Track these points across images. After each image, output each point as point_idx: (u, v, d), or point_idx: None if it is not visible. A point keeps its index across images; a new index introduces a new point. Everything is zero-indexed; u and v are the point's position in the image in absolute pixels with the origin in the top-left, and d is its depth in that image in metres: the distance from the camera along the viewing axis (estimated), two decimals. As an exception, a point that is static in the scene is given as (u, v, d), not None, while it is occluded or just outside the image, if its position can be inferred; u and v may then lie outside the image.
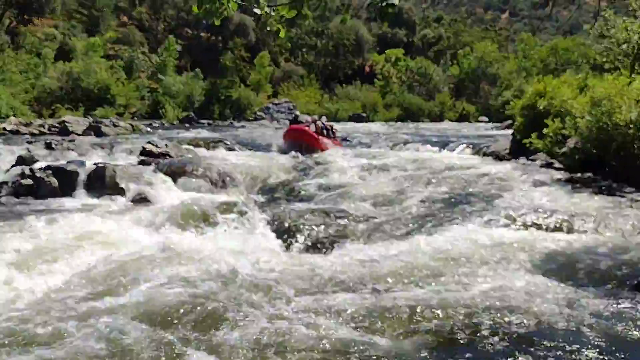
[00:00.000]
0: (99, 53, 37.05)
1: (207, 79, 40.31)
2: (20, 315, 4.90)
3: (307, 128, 16.92)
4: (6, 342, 4.28)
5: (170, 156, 14.10)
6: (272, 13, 4.30)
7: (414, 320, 4.77)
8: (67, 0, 45.85)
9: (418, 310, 4.96)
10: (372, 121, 40.57)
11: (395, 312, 4.92)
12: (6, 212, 9.65)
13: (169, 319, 4.72)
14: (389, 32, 60.52)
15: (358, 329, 4.59)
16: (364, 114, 42.37)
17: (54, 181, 11.37)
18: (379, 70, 50.76)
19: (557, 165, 12.47)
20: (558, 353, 4.19)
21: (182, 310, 4.84)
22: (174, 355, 4.12)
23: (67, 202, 10.76)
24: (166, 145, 15.01)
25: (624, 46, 16.49)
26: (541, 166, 12.87)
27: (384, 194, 10.58)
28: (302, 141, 16.00)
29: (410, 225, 8.30)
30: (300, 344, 4.29)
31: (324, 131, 16.83)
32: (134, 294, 5.27)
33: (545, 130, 12.40)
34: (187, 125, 30.62)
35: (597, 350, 4.23)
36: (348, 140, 19.69)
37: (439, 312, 4.94)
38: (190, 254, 6.72)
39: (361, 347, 4.26)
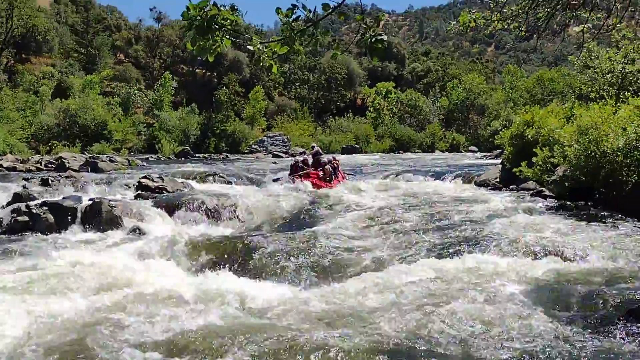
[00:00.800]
0: (96, 90, 37.52)
1: (203, 114, 40.78)
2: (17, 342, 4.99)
3: (317, 177, 15.57)
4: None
5: (166, 190, 14.27)
6: (265, 49, 4.47)
7: (400, 350, 4.87)
8: (64, 40, 46.58)
9: (404, 339, 5.05)
10: (365, 152, 40.94)
11: (384, 343, 5.02)
12: (1, 248, 9.74)
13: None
14: (380, 65, 61.64)
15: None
16: (357, 145, 42.83)
17: (50, 217, 11.48)
18: (370, 102, 51.56)
19: (546, 192, 12.70)
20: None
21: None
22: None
23: (63, 237, 10.87)
24: (162, 179, 15.19)
25: (608, 76, 16.98)
26: (531, 194, 13.09)
27: (376, 222, 10.74)
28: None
29: (399, 253, 8.42)
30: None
31: (334, 171, 16.08)
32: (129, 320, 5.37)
33: (534, 159, 12.65)
34: (182, 159, 30.85)
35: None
36: (352, 174, 19.27)
37: (426, 341, 5.04)
38: (182, 290, 6.81)
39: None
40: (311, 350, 4.71)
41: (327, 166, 15.76)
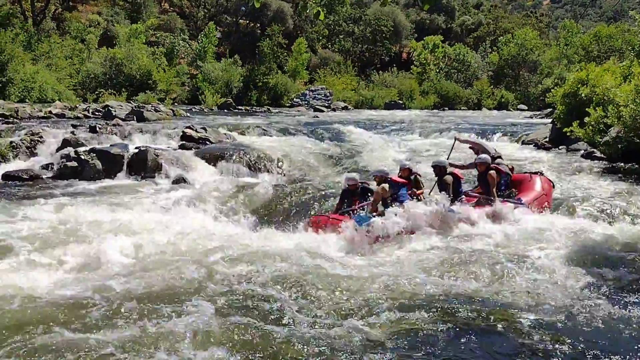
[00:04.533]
0: (141, 39, 37.74)
1: (245, 66, 40.66)
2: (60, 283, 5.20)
3: None
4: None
5: (209, 141, 14.40)
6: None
7: (451, 307, 4.83)
8: (110, -13, 46.84)
9: (453, 296, 5.02)
10: (409, 108, 40.21)
11: (434, 296, 5.00)
12: (52, 192, 10.10)
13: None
14: (427, 18, 59.66)
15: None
16: (400, 101, 42.06)
17: (98, 163, 11.80)
18: (416, 57, 50.18)
19: (598, 154, 12.24)
20: (594, 345, 4.19)
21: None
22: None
23: (110, 183, 11.19)
24: (205, 130, 15.33)
25: (673, 33, 15.93)
26: (582, 155, 12.64)
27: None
28: None
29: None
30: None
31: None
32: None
33: (586, 119, 12.15)
34: (225, 110, 31.03)
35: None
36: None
37: (478, 297, 4.99)
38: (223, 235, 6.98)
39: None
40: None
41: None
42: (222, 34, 47.69)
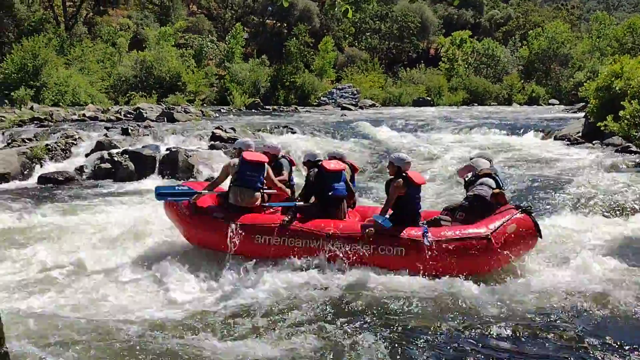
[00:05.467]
0: (170, 42, 38.27)
1: (273, 66, 40.85)
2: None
3: None
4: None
5: (238, 141, 14.54)
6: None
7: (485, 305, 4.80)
8: (139, -9, 47.61)
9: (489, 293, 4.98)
10: (437, 105, 39.81)
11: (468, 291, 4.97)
12: (87, 193, 10.35)
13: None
14: (455, 13, 58.96)
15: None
16: (429, 98, 41.65)
17: (131, 165, 12.05)
18: (443, 52, 49.62)
19: (634, 148, 11.94)
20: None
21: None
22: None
23: (142, 184, 11.39)
24: (234, 130, 15.49)
25: None
26: (617, 150, 12.34)
27: (442, 179, 10.54)
28: None
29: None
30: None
31: None
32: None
33: (621, 113, 11.86)
34: (253, 110, 31.23)
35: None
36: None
37: (511, 294, 4.95)
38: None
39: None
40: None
41: None
42: (249, 34, 48.01)
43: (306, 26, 45.56)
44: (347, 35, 52.18)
